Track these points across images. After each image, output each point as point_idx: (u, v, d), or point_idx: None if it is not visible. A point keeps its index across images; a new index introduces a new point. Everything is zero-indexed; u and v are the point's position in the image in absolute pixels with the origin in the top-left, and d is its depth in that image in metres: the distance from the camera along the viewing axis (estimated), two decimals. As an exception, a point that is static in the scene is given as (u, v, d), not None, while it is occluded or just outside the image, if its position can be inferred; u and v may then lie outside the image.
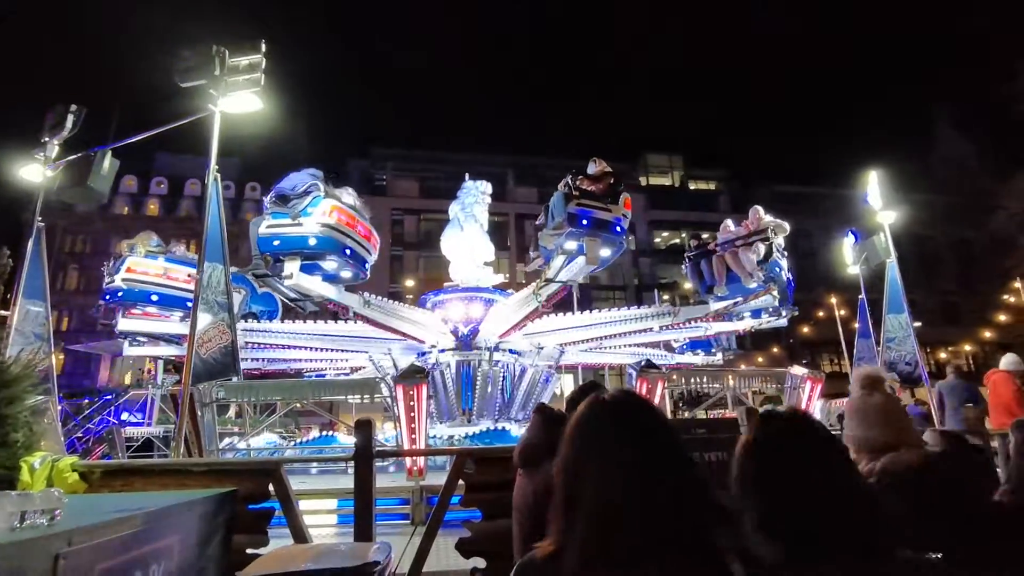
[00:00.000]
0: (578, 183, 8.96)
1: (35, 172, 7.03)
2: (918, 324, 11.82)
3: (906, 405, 12.20)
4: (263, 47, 6.60)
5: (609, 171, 9.47)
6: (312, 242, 8.67)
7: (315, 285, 9.13)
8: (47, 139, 6.97)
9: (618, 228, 8.95)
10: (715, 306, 10.87)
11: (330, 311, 10.76)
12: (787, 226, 10.51)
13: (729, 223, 11.32)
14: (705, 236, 12.61)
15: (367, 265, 9.80)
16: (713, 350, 15.09)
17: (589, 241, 8.62)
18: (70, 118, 6.85)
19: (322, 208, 8.82)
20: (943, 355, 39.40)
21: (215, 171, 5.99)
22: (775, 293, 10.31)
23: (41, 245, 6.84)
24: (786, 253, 10.79)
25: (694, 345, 15.05)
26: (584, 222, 8.60)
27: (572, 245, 8.74)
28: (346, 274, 9.55)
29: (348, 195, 9.63)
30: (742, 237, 10.40)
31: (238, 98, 6.49)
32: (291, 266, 8.59)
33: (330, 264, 9.08)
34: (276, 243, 8.63)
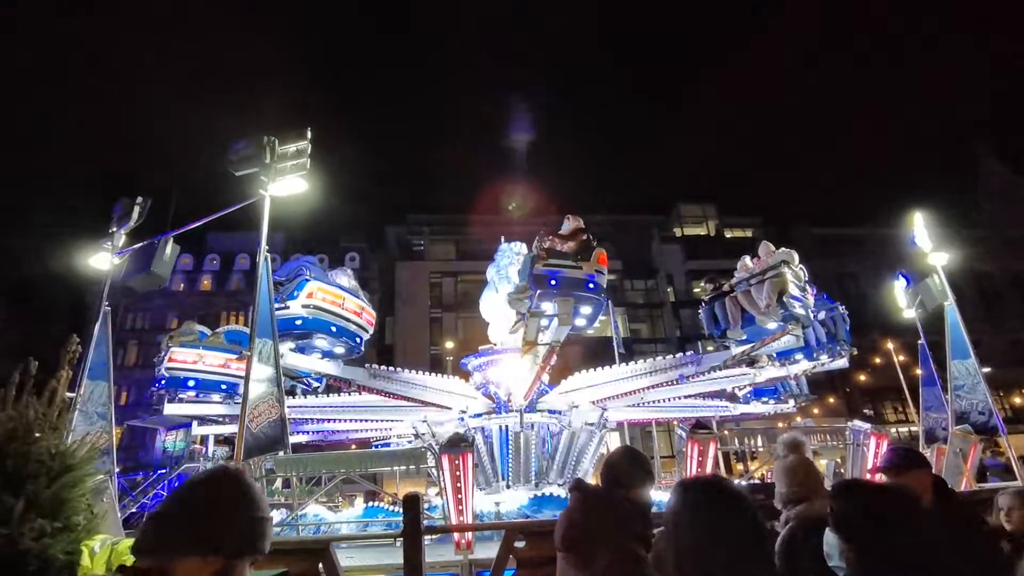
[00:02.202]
0: (545, 244, 8.87)
1: (103, 260, 7.55)
2: (987, 369, 11.04)
3: (984, 458, 11.24)
4: (309, 134, 7.07)
5: (582, 228, 9.31)
6: (299, 322, 9.37)
7: (309, 363, 9.68)
8: (115, 229, 7.53)
9: (591, 285, 8.67)
10: (735, 350, 10.38)
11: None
12: (794, 254, 9.98)
13: (747, 260, 10.72)
14: (730, 280, 12.05)
15: (360, 340, 10.44)
16: (783, 397, 14.17)
17: (562, 301, 8.48)
18: (136, 209, 7.40)
19: (307, 291, 9.51)
20: (1018, 400, 36.61)
21: (265, 252, 6.31)
22: (797, 333, 9.72)
23: (107, 328, 7.24)
24: (808, 287, 10.17)
25: (760, 393, 14.15)
26: (553, 282, 8.45)
27: (549, 306, 8.62)
28: (339, 350, 10.17)
29: (343, 276, 10.45)
30: (756, 275, 9.90)
31: (286, 182, 6.92)
32: (282, 347, 9.12)
33: (321, 342, 9.75)
34: None
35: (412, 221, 44.62)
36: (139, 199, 7.33)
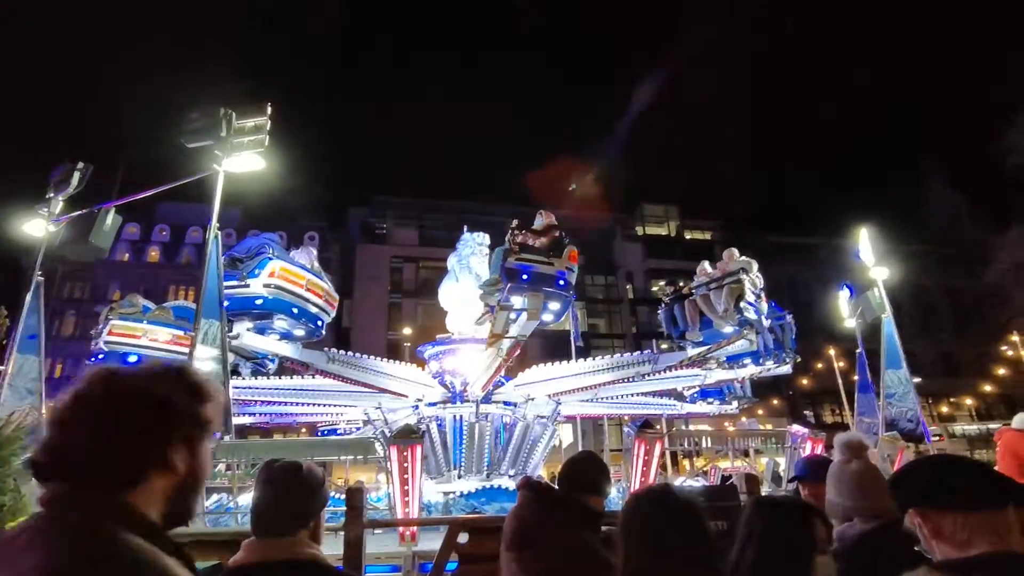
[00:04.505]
0: (520, 238, 8.89)
1: (38, 227, 7.12)
2: (918, 380, 11.71)
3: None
4: (268, 109, 6.83)
5: (554, 224, 9.37)
6: (259, 302, 9.02)
7: (267, 344, 9.37)
8: (52, 195, 7.10)
9: (561, 282, 8.79)
10: (691, 352, 10.68)
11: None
12: (754, 263, 10.32)
13: (706, 265, 11.09)
14: (690, 282, 12.38)
15: (321, 323, 10.12)
16: (727, 398, 14.61)
17: (531, 296, 8.53)
18: (76, 175, 7.00)
19: (269, 269, 9.12)
20: (945, 408, 38.96)
21: (215, 229, 6.08)
22: (751, 337, 10.08)
23: (39, 299, 6.85)
24: (763, 295, 10.54)
25: (706, 394, 14.55)
26: (524, 277, 8.51)
27: (519, 300, 8.65)
28: (299, 332, 9.86)
29: (305, 256, 10.14)
30: (715, 280, 10.19)
31: (242, 158, 6.67)
32: (240, 327, 8.78)
33: (281, 323, 9.44)
34: (225, 304, 8.78)
35: (375, 204, 43.81)
36: (80, 164, 6.93)
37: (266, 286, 9.02)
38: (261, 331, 9.51)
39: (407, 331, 33.79)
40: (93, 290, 35.17)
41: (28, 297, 6.67)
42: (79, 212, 6.74)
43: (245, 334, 8.79)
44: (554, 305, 8.77)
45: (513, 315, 8.86)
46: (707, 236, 47.30)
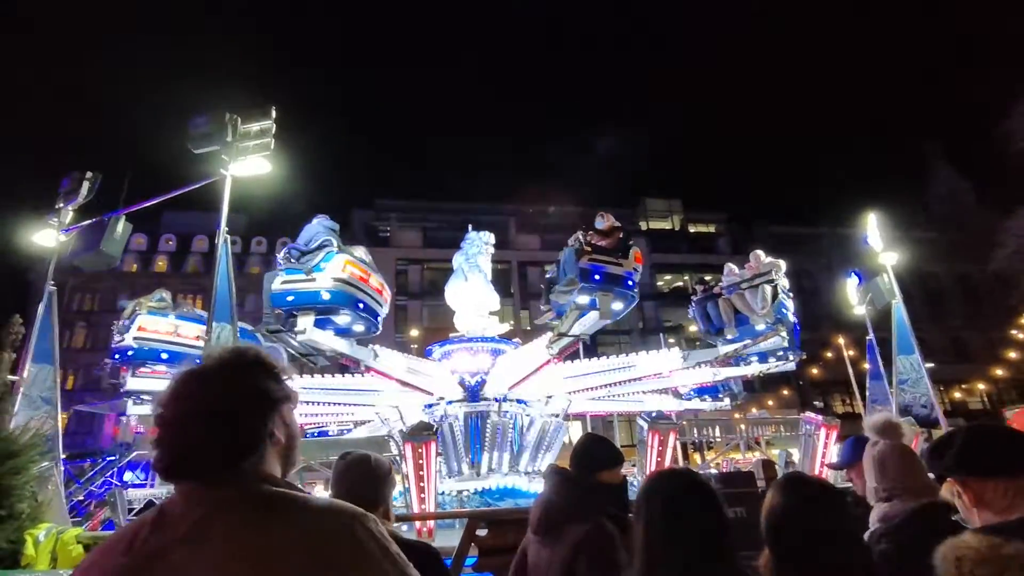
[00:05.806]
0: (589, 238, 9.06)
1: (48, 237, 7.18)
2: (930, 365, 11.65)
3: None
4: (273, 113, 6.86)
5: (618, 225, 9.60)
6: (326, 296, 8.70)
7: (328, 340, 9.11)
8: (62, 205, 7.16)
9: (629, 282, 9.03)
10: (724, 349, 10.80)
11: (337, 365, 10.84)
12: (783, 263, 10.55)
13: (732, 267, 11.47)
14: (709, 279, 12.59)
15: (379, 318, 9.85)
16: (721, 395, 14.77)
17: (602, 296, 8.65)
18: (85, 185, 7.06)
19: (336, 263, 8.85)
20: (957, 394, 38.66)
21: (225, 233, 6.11)
22: (783, 334, 10.26)
23: (52, 309, 6.91)
24: (791, 294, 10.74)
25: (701, 391, 14.72)
26: (596, 277, 8.67)
27: (584, 300, 8.76)
28: (358, 327, 9.57)
29: (360, 250, 9.81)
30: (747, 280, 10.46)
31: (248, 162, 6.70)
32: (304, 321, 8.58)
33: (343, 318, 9.10)
34: (290, 298, 8.65)
35: (379, 207, 43.86)
36: (89, 174, 6.99)
37: (334, 279, 8.75)
38: (319, 326, 9.21)
39: (414, 332, 33.88)
40: (102, 301, 35.39)
41: (41, 306, 6.73)
42: (90, 221, 6.79)
43: (311, 329, 8.57)
44: (617, 305, 8.95)
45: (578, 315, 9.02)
46: (711, 229, 47.10)
